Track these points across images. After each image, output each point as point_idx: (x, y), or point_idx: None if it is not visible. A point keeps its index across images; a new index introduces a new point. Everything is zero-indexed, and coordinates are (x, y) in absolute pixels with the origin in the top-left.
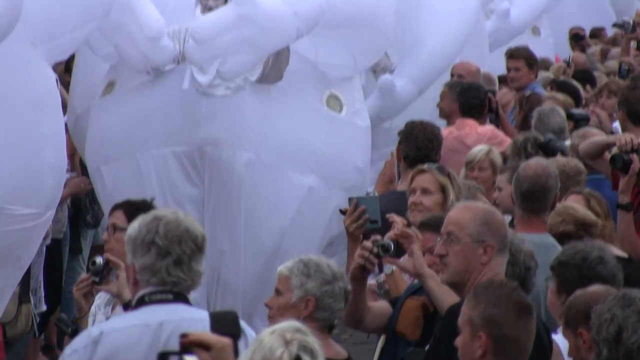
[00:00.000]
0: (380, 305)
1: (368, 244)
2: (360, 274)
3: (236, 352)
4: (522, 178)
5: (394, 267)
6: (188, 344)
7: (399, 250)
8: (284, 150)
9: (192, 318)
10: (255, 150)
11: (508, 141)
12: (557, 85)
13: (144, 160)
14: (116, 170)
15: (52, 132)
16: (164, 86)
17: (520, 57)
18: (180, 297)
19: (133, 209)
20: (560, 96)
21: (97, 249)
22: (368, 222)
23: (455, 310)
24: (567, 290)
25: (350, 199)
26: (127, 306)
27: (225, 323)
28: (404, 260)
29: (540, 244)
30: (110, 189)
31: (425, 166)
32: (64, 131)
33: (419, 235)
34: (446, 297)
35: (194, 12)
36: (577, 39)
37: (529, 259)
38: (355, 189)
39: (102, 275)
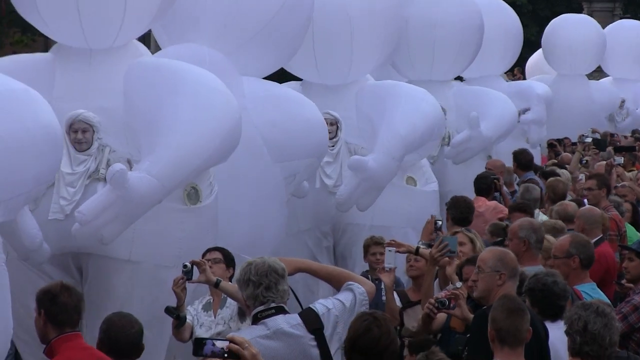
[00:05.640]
0: (438, 318)
1: (432, 300)
2: (427, 317)
3: (322, 341)
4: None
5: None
6: (227, 348)
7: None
8: (389, 214)
9: (290, 323)
10: (368, 218)
11: (506, 210)
12: (546, 173)
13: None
14: None
15: (277, 207)
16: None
17: (514, 159)
18: (280, 310)
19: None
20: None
21: None
22: (449, 252)
23: (481, 313)
24: (535, 304)
25: (437, 237)
26: (216, 286)
27: (312, 320)
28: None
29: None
30: None
31: (458, 229)
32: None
33: (463, 294)
34: None
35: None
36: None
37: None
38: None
39: (191, 273)
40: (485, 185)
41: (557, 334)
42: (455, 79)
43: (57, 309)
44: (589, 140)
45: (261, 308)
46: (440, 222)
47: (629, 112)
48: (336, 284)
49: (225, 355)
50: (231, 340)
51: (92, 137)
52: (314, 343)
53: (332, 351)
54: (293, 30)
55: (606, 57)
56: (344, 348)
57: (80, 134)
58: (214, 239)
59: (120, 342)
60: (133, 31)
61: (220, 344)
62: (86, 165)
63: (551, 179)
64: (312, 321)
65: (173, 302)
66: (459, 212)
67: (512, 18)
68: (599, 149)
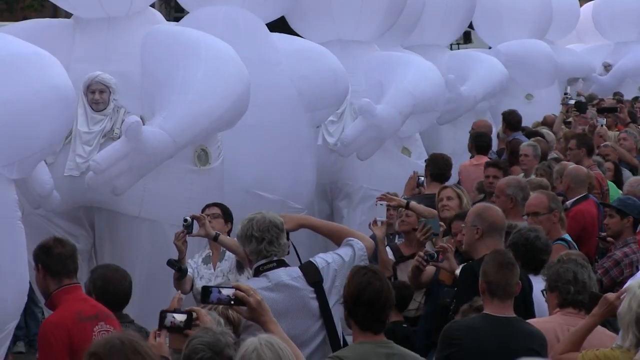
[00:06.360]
0: (427, 271)
1: (421, 254)
2: (417, 269)
3: (322, 293)
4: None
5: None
6: (234, 295)
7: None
8: (383, 180)
9: (291, 276)
10: (364, 180)
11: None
12: (530, 133)
13: None
14: None
15: (312, 154)
16: None
17: (503, 119)
18: (281, 263)
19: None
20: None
21: None
22: (432, 235)
23: (467, 267)
24: (518, 258)
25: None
26: (215, 239)
27: (312, 273)
28: (444, 263)
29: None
30: None
31: (446, 184)
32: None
33: (451, 248)
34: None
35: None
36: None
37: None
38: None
39: (192, 228)
40: (485, 143)
41: (540, 287)
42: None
43: (52, 260)
44: (572, 102)
45: (263, 261)
46: (422, 179)
47: (591, 79)
48: (337, 239)
49: (232, 302)
50: (237, 288)
51: (108, 98)
52: (314, 295)
53: (331, 304)
54: None
55: (604, 22)
56: (344, 302)
57: (97, 95)
58: (222, 199)
59: (118, 295)
60: None
61: (226, 292)
62: (102, 124)
63: (533, 138)
64: (312, 274)
65: (176, 256)
66: (437, 168)
67: None
68: (579, 111)
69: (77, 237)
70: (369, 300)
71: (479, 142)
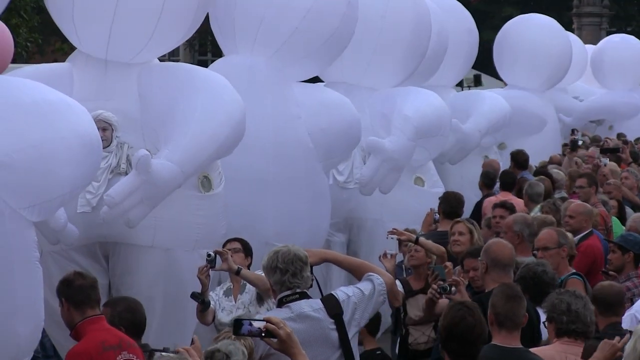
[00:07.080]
0: (441, 303)
1: (435, 286)
2: (431, 301)
3: (341, 325)
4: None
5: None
6: (265, 328)
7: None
8: (399, 212)
9: (313, 307)
10: (378, 214)
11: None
12: (538, 172)
13: None
14: None
15: (326, 204)
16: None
17: (512, 159)
18: (303, 295)
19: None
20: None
21: None
22: (440, 280)
23: (476, 300)
24: (526, 291)
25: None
26: (237, 273)
27: (332, 305)
28: (456, 295)
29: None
30: None
31: (460, 219)
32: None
33: (463, 281)
34: None
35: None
36: None
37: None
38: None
39: (215, 262)
40: (511, 179)
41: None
42: None
43: (74, 292)
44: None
45: (287, 293)
46: (437, 216)
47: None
48: (358, 274)
49: (263, 334)
50: (267, 321)
51: (111, 135)
52: (334, 327)
53: (350, 335)
54: (346, 40)
55: (600, 70)
56: (439, 334)
57: (100, 133)
58: (226, 224)
59: (142, 325)
60: (152, 53)
61: (257, 324)
62: (108, 161)
63: (537, 177)
64: (332, 306)
65: (194, 283)
66: (449, 206)
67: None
68: (572, 150)
69: (94, 274)
70: (461, 334)
71: (504, 179)
